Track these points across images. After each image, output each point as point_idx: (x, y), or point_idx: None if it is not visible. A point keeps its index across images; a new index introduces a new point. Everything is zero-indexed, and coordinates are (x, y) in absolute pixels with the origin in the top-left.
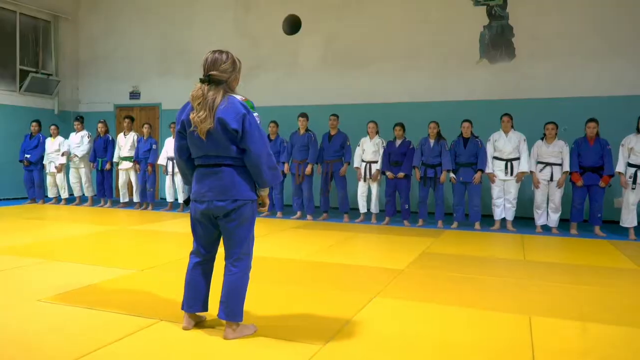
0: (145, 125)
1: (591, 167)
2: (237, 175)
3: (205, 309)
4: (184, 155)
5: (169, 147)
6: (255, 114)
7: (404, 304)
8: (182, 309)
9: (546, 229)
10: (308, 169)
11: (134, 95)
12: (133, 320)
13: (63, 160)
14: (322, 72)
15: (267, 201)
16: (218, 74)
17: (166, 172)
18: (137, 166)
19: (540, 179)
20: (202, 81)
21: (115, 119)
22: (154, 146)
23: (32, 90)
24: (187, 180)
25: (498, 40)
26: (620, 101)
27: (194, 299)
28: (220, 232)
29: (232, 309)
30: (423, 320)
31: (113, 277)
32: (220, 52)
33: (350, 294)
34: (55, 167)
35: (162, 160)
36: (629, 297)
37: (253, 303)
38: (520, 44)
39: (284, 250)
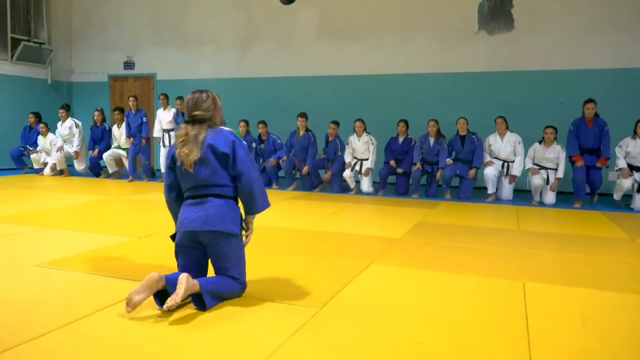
0: (131, 99)
1: (589, 149)
2: (224, 206)
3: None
4: (173, 192)
5: (162, 118)
6: (243, 142)
7: (400, 271)
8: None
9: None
10: (305, 170)
11: (128, 65)
12: (131, 284)
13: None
14: (318, 43)
15: (252, 227)
16: (201, 113)
17: (163, 144)
18: (132, 139)
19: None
20: (186, 122)
21: (109, 90)
22: (144, 119)
23: (24, 59)
24: (175, 217)
25: (497, 11)
26: (619, 74)
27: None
28: (204, 258)
29: (205, 296)
30: (419, 286)
31: (110, 244)
32: (200, 92)
33: (347, 261)
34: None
35: (157, 132)
36: (620, 264)
37: (251, 269)
38: (519, 15)
39: (281, 220)
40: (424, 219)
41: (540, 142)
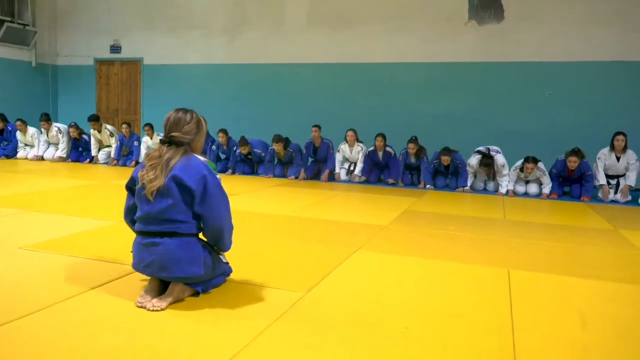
0: (124, 125)
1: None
2: (178, 249)
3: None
4: (128, 217)
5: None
6: (217, 176)
7: (386, 257)
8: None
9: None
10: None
11: (115, 49)
12: (116, 267)
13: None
14: (309, 30)
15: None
16: (180, 136)
17: None
18: (116, 161)
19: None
20: (162, 142)
21: (95, 73)
22: (135, 143)
23: (7, 40)
24: None
25: (487, 1)
26: (607, 67)
27: None
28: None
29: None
30: (405, 272)
31: (94, 227)
32: (185, 111)
33: (334, 248)
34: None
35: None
36: (603, 253)
37: (237, 253)
38: (510, 6)
39: (268, 206)
40: (410, 207)
41: (521, 170)
